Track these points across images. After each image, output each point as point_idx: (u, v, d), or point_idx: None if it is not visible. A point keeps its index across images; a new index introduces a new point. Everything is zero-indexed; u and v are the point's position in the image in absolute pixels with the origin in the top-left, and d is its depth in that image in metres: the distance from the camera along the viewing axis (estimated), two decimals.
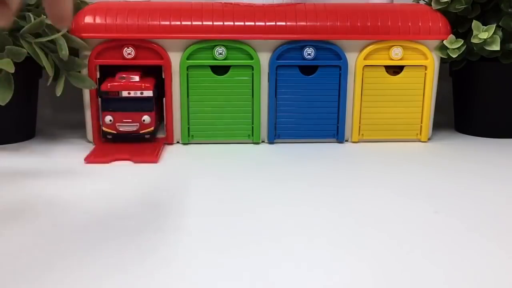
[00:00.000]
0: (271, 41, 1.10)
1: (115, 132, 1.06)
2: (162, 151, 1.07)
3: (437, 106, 1.17)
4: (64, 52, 1.01)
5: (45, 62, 1.00)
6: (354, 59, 1.12)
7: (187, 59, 1.09)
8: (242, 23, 1.08)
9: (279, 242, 0.66)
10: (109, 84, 1.04)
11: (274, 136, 1.14)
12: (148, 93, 1.04)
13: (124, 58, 1.08)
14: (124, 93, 1.04)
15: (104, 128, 1.06)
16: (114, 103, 1.04)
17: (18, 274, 0.57)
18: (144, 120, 1.05)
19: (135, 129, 1.05)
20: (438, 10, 1.13)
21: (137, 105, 1.04)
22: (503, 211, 0.77)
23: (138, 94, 1.04)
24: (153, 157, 1.01)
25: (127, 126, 1.05)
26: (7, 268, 0.58)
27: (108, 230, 0.68)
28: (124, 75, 1.06)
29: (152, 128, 1.07)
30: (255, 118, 1.13)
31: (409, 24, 1.10)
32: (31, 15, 1.00)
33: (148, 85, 1.05)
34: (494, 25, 1.08)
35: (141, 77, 1.07)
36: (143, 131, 1.06)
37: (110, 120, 1.05)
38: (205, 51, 1.09)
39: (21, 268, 0.58)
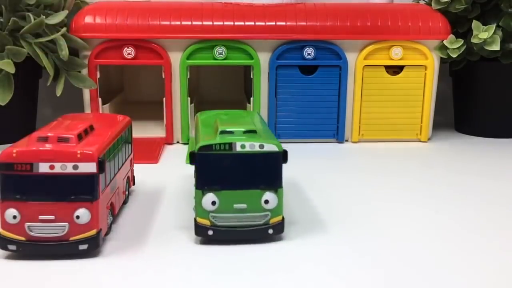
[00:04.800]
0: (271, 41, 1.10)
1: (23, 238, 0.60)
2: (162, 151, 1.07)
3: (437, 106, 1.17)
4: (64, 52, 1.01)
5: (45, 62, 1.00)
6: (354, 59, 1.12)
7: (187, 59, 1.09)
8: (242, 23, 1.08)
9: (279, 242, 0.66)
10: (15, 150, 0.59)
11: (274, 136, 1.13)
12: (87, 167, 0.59)
13: (124, 58, 1.08)
14: (43, 167, 0.59)
15: (2, 232, 0.60)
16: (23, 186, 0.59)
17: None
18: (78, 217, 0.60)
19: (60, 233, 0.60)
20: (438, 10, 1.13)
21: (66, 190, 0.59)
22: (503, 210, 0.77)
23: (68, 169, 0.59)
24: (153, 157, 1.01)
25: (46, 228, 0.60)
26: None
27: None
28: (49, 134, 0.61)
29: (93, 232, 0.60)
30: None
31: (409, 24, 1.10)
32: (31, 15, 1.00)
33: (89, 152, 0.59)
34: (494, 25, 1.08)
35: (85, 135, 0.64)
36: (75, 238, 0.60)
37: (14, 217, 0.59)
38: (205, 51, 1.09)
39: None
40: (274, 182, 0.63)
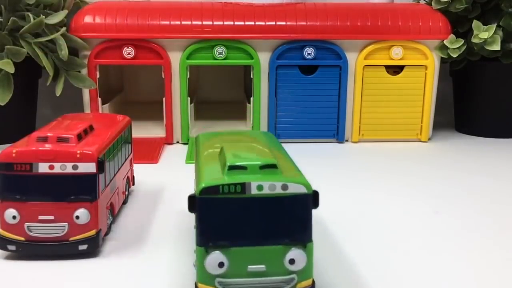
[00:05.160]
0: (271, 41, 1.09)
1: (23, 239, 0.60)
2: (162, 151, 1.07)
3: (438, 106, 1.17)
4: (64, 52, 1.01)
5: (45, 62, 1.00)
6: (354, 59, 1.11)
7: (187, 58, 1.08)
8: (242, 23, 1.08)
9: None
10: (14, 150, 0.59)
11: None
12: (87, 167, 0.59)
13: (123, 58, 1.08)
14: (42, 167, 0.59)
15: (2, 232, 0.60)
16: (22, 186, 0.59)
17: None
18: (77, 218, 0.59)
19: (59, 233, 0.59)
20: (439, 9, 1.13)
21: (65, 190, 0.59)
22: (503, 210, 0.77)
23: (68, 169, 0.59)
24: (153, 157, 1.01)
25: (45, 229, 0.59)
26: None
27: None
28: (49, 134, 0.61)
29: (93, 232, 0.60)
30: (255, 118, 1.13)
31: (410, 24, 1.10)
32: (31, 15, 1.00)
33: (89, 152, 0.59)
34: (495, 25, 1.08)
35: (84, 135, 0.64)
36: (75, 238, 0.60)
37: (14, 217, 0.59)
38: (205, 51, 1.09)
39: None
40: (301, 234, 0.48)
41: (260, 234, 0.48)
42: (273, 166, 0.49)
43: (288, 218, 0.48)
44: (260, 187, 0.47)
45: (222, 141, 0.58)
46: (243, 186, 0.47)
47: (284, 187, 0.47)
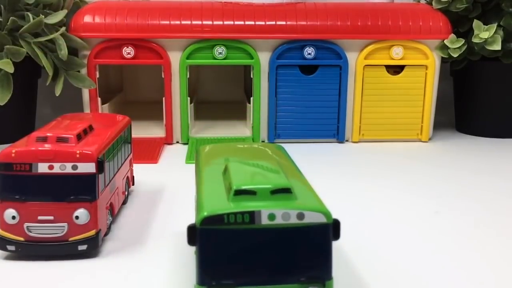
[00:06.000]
0: (271, 41, 1.09)
1: (22, 239, 0.59)
2: (161, 151, 1.07)
3: (438, 106, 1.17)
4: (63, 51, 1.00)
5: (44, 62, 0.99)
6: (355, 59, 1.11)
7: (187, 58, 1.08)
8: (242, 23, 1.08)
9: None
10: (14, 150, 0.59)
11: (274, 136, 1.13)
12: (86, 167, 0.59)
13: (123, 57, 1.07)
14: (42, 167, 0.58)
15: (1, 232, 0.60)
16: (22, 186, 0.59)
17: None
18: (77, 218, 0.59)
19: (59, 234, 0.59)
20: (439, 9, 1.13)
21: (65, 190, 0.59)
22: (504, 210, 0.77)
23: (68, 169, 0.58)
24: (153, 157, 1.01)
25: (45, 229, 0.59)
26: None
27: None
28: (48, 134, 0.60)
29: (92, 232, 0.60)
30: (255, 118, 1.12)
31: (410, 23, 1.10)
32: (30, 15, 1.00)
33: (88, 152, 0.59)
34: (495, 25, 1.08)
35: (84, 135, 0.64)
36: (74, 238, 0.59)
37: (13, 217, 0.59)
38: (205, 51, 1.08)
39: None
40: (320, 271, 0.42)
41: (271, 271, 0.42)
42: (287, 191, 0.43)
43: (304, 253, 0.42)
44: (272, 216, 0.41)
45: (227, 156, 0.52)
46: (252, 215, 0.41)
47: (300, 216, 0.41)
